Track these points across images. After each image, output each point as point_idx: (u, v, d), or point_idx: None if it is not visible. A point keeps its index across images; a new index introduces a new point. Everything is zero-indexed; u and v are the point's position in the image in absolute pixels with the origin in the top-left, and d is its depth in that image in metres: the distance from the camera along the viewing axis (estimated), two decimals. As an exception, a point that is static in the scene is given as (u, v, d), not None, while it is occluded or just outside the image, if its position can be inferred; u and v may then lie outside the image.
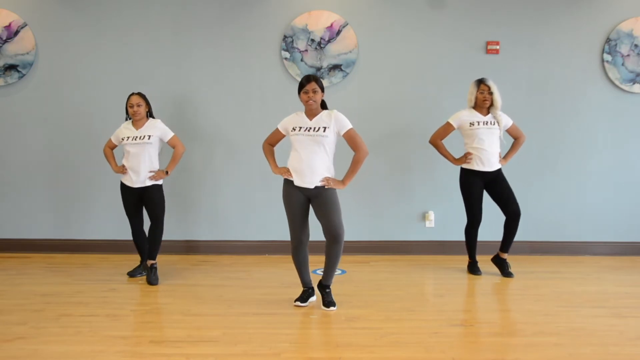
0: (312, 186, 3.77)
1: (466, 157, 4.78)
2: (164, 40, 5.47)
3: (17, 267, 5.05)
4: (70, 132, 5.52)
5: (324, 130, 3.76)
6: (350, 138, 3.81)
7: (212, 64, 5.50)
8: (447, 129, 4.84)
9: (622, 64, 5.48)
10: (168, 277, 4.70)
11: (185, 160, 5.30)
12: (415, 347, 3.20)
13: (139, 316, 3.79)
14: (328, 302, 3.89)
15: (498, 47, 5.47)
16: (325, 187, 3.78)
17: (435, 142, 4.91)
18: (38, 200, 5.57)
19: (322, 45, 5.44)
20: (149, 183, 4.55)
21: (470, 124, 4.72)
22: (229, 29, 5.48)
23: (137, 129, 4.57)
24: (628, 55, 5.47)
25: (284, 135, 3.96)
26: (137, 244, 4.77)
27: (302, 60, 5.45)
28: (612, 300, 4.13)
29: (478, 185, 4.78)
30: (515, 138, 4.87)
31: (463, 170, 4.84)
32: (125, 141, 4.57)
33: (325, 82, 5.40)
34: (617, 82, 5.49)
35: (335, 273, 4.11)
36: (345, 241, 3.83)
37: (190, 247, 5.61)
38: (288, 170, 3.84)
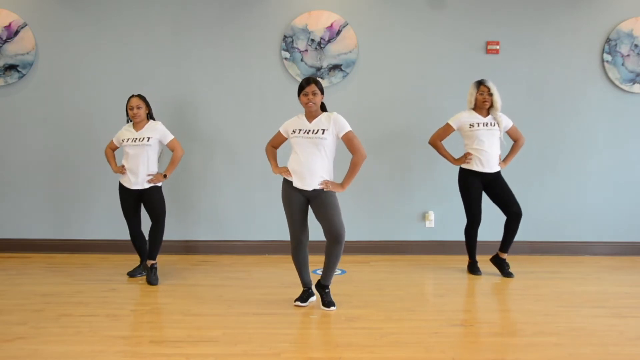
0: (310, 188, 3.78)
1: (466, 157, 4.78)
2: (164, 40, 5.48)
3: (17, 267, 5.05)
4: (70, 132, 5.53)
5: (323, 133, 3.76)
6: (348, 140, 3.81)
7: (212, 64, 5.50)
8: (446, 130, 4.84)
9: (622, 64, 5.48)
10: (168, 277, 4.70)
11: (185, 160, 5.30)
12: (415, 347, 3.20)
13: (139, 316, 3.78)
14: (328, 302, 3.89)
15: (498, 47, 5.47)
16: (324, 190, 3.78)
17: (435, 142, 4.91)
18: (38, 200, 5.58)
19: (322, 45, 5.44)
20: (147, 185, 4.55)
21: (470, 125, 4.72)
22: (229, 29, 5.48)
23: (137, 131, 4.57)
24: (628, 55, 5.47)
25: (285, 138, 3.96)
26: (135, 245, 4.77)
27: (302, 60, 5.45)
28: (612, 300, 4.13)
29: (477, 186, 4.78)
30: (514, 140, 4.87)
31: (462, 171, 4.84)
32: (125, 143, 4.57)
33: (325, 82, 5.41)
34: (617, 82, 5.49)
35: (335, 273, 4.10)
36: (345, 241, 3.83)
37: (190, 247, 5.61)
38: (287, 170, 3.85)
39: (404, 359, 3.06)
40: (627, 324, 3.63)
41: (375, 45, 5.50)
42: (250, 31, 5.48)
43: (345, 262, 5.03)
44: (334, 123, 3.79)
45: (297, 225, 3.86)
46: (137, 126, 4.60)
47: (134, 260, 5.03)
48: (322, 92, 3.83)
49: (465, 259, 5.11)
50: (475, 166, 4.75)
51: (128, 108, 4.58)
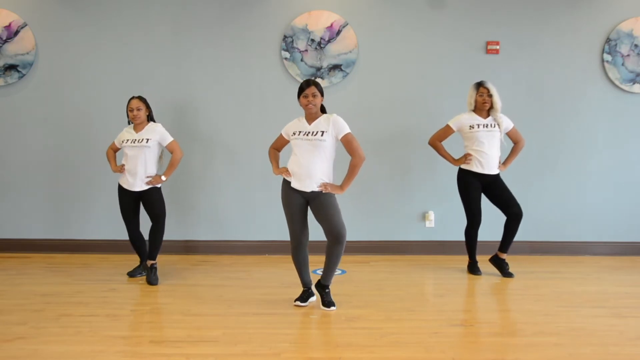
0: (309, 190, 3.78)
1: (466, 157, 4.78)
2: (164, 40, 5.48)
3: (17, 267, 5.05)
4: (70, 132, 5.53)
5: (322, 135, 3.76)
6: (347, 142, 3.81)
7: (212, 64, 5.50)
8: (446, 131, 4.84)
9: (622, 64, 5.48)
10: (168, 277, 4.70)
11: (185, 160, 5.30)
12: (415, 347, 3.20)
13: (139, 316, 3.78)
14: (328, 302, 3.89)
15: (498, 47, 5.47)
16: (323, 192, 3.78)
17: (434, 143, 4.91)
18: (38, 200, 5.57)
19: (322, 45, 5.44)
20: (145, 187, 4.55)
21: (470, 126, 4.73)
22: (229, 29, 5.48)
23: (136, 133, 4.58)
24: (628, 55, 5.47)
25: (287, 141, 3.97)
26: (134, 246, 4.76)
27: (302, 60, 5.45)
28: (612, 300, 4.13)
29: (476, 186, 4.78)
30: (514, 142, 4.87)
31: (461, 171, 4.84)
32: (124, 144, 4.57)
33: (325, 82, 5.41)
34: (617, 82, 5.49)
35: (335, 273, 4.10)
36: (346, 241, 3.83)
37: (190, 247, 5.61)
38: (287, 170, 3.85)
39: (404, 359, 3.05)
40: (627, 324, 3.63)
41: (375, 45, 5.50)
42: (250, 31, 5.48)
43: (345, 262, 5.03)
44: (333, 125, 3.79)
45: (297, 226, 3.86)
46: (137, 128, 4.60)
47: (134, 260, 5.03)
48: (322, 94, 3.84)
49: (465, 259, 5.11)
50: (474, 167, 4.75)
51: (128, 110, 4.58)
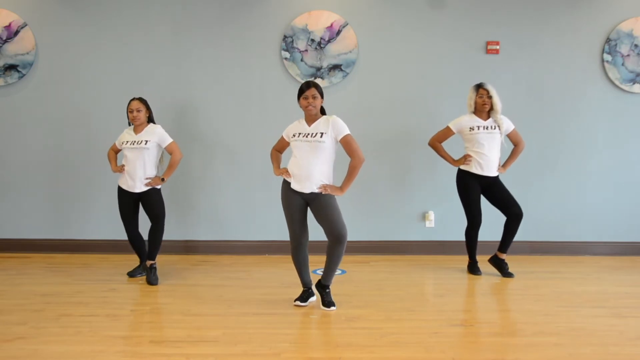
0: (308, 191, 3.78)
1: (465, 158, 4.78)
2: (164, 40, 5.48)
3: (17, 267, 5.05)
4: (70, 132, 5.53)
5: (321, 136, 3.76)
6: (346, 144, 3.81)
7: (212, 64, 5.50)
8: (446, 133, 4.85)
9: (622, 64, 5.48)
10: (168, 277, 4.70)
11: (185, 160, 5.30)
12: (415, 347, 3.20)
13: (139, 316, 3.78)
14: (328, 302, 3.89)
15: (498, 47, 5.47)
16: (323, 193, 3.78)
17: (434, 144, 4.92)
18: (38, 200, 5.57)
19: (322, 45, 5.44)
20: (145, 188, 4.55)
21: (470, 128, 4.73)
22: (229, 29, 5.48)
23: (136, 134, 4.58)
24: (628, 55, 5.47)
25: (288, 143, 3.97)
26: (134, 246, 4.76)
27: (302, 60, 5.45)
28: (612, 300, 4.13)
29: (475, 187, 4.78)
30: (515, 144, 4.86)
31: (460, 172, 4.84)
32: (124, 145, 4.57)
33: (325, 82, 5.41)
34: (617, 82, 5.49)
35: (336, 273, 4.10)
36: (347, 241, 3.83)
37: (190, 247, 5.61)
38: (287, 171, 3.85)
39: (404, 359, 3.05)
40: (627, 324, 3.63)
41: (375, 45, 5.50)
42: (250, 31, 5.48)
43: (345, 262, 5.02)
44: (333, 126, 3.79)
45: (297, 227, 3.87)
46: (136, 129, 4.60)
47: (134, 260, 5.03)
48: (322, 96, 3.84)
49: (465, 259, 5.11)
50: (474, 169, 4.75)
51: (128, 111, 4.58)
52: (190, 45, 5.48)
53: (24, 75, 5.47)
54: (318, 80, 5.40)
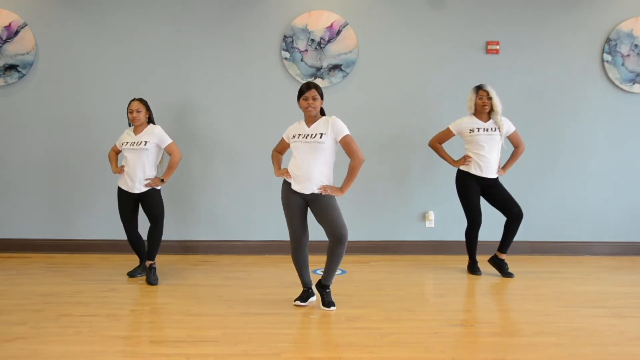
0: (308, 192, 3.78)
1: (465, 159, 4.78)
2: (164, 40, 5.48)
3: (17, 267, 5.05)
4: (70, 132, 5.53)
5: (321, 137, 3.76)
6: (346, 144, 3.81)
7: (212, 64, 5.50)
8: (447, 134, 4.85)
9: (622, 64, 5.48)
10: (168, 277, 4.70)
11: (185, 161, 5.30)
12: (415, 347, 3.20)
13: (139, 316, 3.78)
14: (328, 302, 3.89)
15: (498, 47, 5.47)
16: (323, 194, 3.78)
17: (434, 145, 4.92)
18: (38, 200, 5.57)
19: (322, 45, 5.44)
20: (144, 189, 4.55)
21: (470, 130, 4.73)
22: (229, 29, 5.48)
23: (135, 135, 4.58)
24: (628, 55, 5.47)
25: (289, 144, 3.97)
26: (133, 247, 4.76)
27: (302, 60, 5.45)
28: (612, 300, 4.13)
29: (475, 187, 4.78)
30: (515, 146, 4.85)
31: (460, 172, 4.84)
32: (124, 146, 4.58)
33: (325, 82, 5.41)
34: (617, 82, 5.49)
35: (336, 273, 4.10)
36: (347, 241, 3.83)
37: (190, 247, 5.60)
38: (288, 172, 3.85)
39: (404, 359, 3.05)
40: (627, 324, 3.63)
41: (375, 45, 5.50)
42: (250, 31, 5.48)
43: (345, 262, 5.02)
44: (332, 127, 3.78)
45: (297, 227, 3.87)
46: (136, 130, 4.60)
47: (134, 260, 5.03)
48: (322, 97, 3.84)
49: (465, 259, 5.11)
50: (473, 170, 4.75)
51: (128, 111, 4.58)
52: (190, 45, 5.48)
53: (24, 75, 5.47)
54: (318, 81, 5.40)
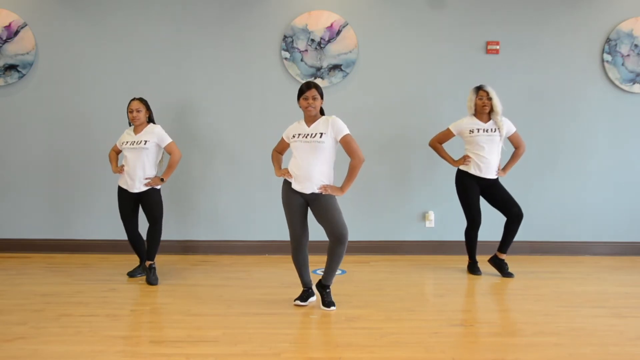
0: (309, 192, 3.78)
1: (465, 159, 4.78)
2: (164, 40, 5.48)
3: (17, 267, 5.05)
4: (70, 132, 5.53)
5: (321, 136, 3.76)
6: (346, 144, 3.81)
7: (212, 64, 5.50)
8: (447, 134, 4.86)
9: (622, 64, 5.48)
10: (168, 277, 4.70)
11: (185, 160, 5.30)
12: (415, 347, 3.20)
13: (139, 316, 3.78)
14: (328, 302, 3.88)
15: (498, 47, 5.47)
16: (323, 193, 3.78)
17: (435, 145, 4.92)
18: (38, 200, 5.57)
19: (322, 45, 5.44)
20: (144, 188, 4.55)
21: (470, 131, 4.73)
22: (229, 29, 5.48)
23: (135, 134, 4.58)
24: (628, 55, 5.47)
25: (288, 144, 3.97)
26: (134, 246, 4.76)
27: (302, 60, 5.45)
28: (612, 300, 4.13)
29: (474, 187, 4.78)
30: (515, 147, 4.85)
31: (459, 172, 4.84)
32: (124, 145, 4.58)
33: (325, 82, 5.41)
34: (617, 82, 5.49)
35: (336, 273, 4.10)
36: (348, 241, 3.83)
37: (190, 247, 5.60)
38: (288, 172, 3.85)
39: (404, 359, 3.05)
40: (627, 324, 3.63)
41: (375, 45, 5.50)
42: (250, 31, 5.48)
43: (345, 262, 5.02)
44: (332, 126, 3.78)
45: (297, 227, 3.87)
46: (136, 129, 4.61)
47: (134, 260, 5.03)
48: (322, 97, 3.84)
49: (465, 259, 5.11)
50: (472, 170, 4.75)
51: (128, 111, 4.58)
52: (190, 45, 5.48)
53: (24, 75, 5.47)
54: (318, 81, 5.40)
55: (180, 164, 5.08)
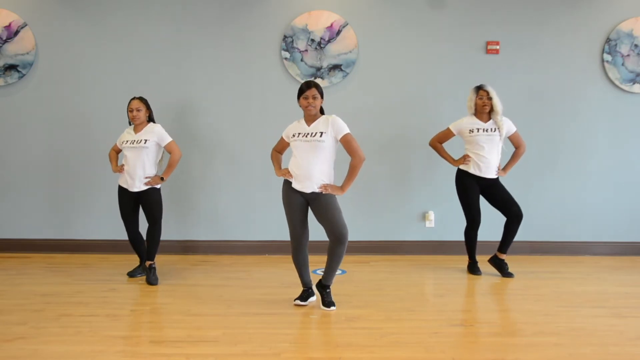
0: (309, 191, 3.78)
1: (465, 158, 4.78)
2: (164, 40, 5.48)
3: (17, 267, 5.05)
4: (70, 132, 5.53)
5: (321, 136, 3.76)
6: (346, 143, 3.81)
7: (212, 64, 5.50)
8: (447, 134, 4.86)
9: (622, 64, 5.48)
10: (168, 277, 4.70)
11: (185, 160, 5.30)
12: (415, 347, 3.20)
13: (139, 316, 3.78)
14: (328, 302, 3.88)
15: (498, 47, 5.47)
16: (323, 192, 3.78)
17: (435, 144, 4.92)
18: (38, 200, 5.57)
19: (322, 45, 5.44)
20: (144, 188, 4.55)
21: (470, 130, 4.73)
22: (229, 29, 5.48)
23: (136, 134, 4.58)
24: (628, 55, 5.47)
25: (288, 143, 3.97)
26: (134, 246, 4.76)
27: (302, 60, 5.45)
28: (612, 300, 4.13)
29: (474, 187, 4.78)
30: (515, 147, 4.85)
31: (459, 172, 4.84)
32: (124, 145, 4.58)
33: (325, 82, 5.41)
34: (617, 82, 5.49)
35: (336, 273, 4.10)
36: (348, 241, 3.83)
37: (190, 247, 5.60)
38: (289, 172, 3.85)
39: (404, 359, 3.05)
40: (627, 324, 3.63)
41: (375, 45, 5.50)
42: (250, 31, 5.48)
43: (345, 262, 5.01)
44: (332, 125, 3.78)
45: (297, 227, 3.87)
46: (136, 129, 4.61)
47: (134, 260, 5.03)
48: (322, 96, 3.84)
49: (465, 259, 5.11)
50: (472, 169, 4.75)
51: (128, 110, 4.59)
52: (190, 45, 5.48)
53: (24, 75, 5.47)
54: (318, 80, 5.40)
55: (180, 164, 5.08)
